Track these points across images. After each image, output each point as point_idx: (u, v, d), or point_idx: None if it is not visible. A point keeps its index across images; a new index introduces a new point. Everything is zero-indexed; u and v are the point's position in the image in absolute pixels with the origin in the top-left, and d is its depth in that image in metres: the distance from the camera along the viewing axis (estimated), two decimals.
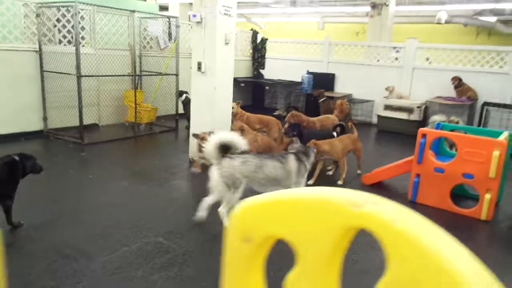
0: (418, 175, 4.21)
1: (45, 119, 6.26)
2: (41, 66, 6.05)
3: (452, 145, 5.08)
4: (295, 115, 5.61)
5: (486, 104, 7.35)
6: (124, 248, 2.93)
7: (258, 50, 10.40)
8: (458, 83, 7.73)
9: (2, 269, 0.79)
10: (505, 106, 7.26)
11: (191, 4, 14.48)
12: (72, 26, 6.38)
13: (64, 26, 6.36)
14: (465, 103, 7.46)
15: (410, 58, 8.48)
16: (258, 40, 10.35)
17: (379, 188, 4.70)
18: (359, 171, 5.13)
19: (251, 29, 10.52)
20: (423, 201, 4.20)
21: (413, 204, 4.24)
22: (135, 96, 6.66)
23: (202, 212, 3.34)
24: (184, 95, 7.41)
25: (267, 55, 10.35)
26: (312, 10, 13.95)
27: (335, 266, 0.78)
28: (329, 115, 6.49)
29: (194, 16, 4.75)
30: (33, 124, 6.18)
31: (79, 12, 5.51)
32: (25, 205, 3.36)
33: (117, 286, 2.51)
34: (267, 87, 9.69)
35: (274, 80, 9.90)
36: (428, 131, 4.22)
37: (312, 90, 9.15)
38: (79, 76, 5.63)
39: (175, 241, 3.10)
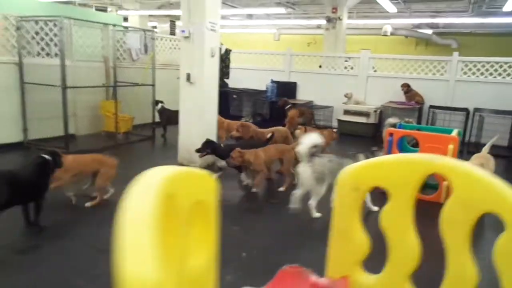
0: None
1: (25, 130, 6.30)
2: (21, 78, 6.12)
3: (408, 142, 5.87)
4: (244, 125, 5.46)
5: (432, 107, 8.37)
6: None
7: (223, 61, 10.85)
8: (407, 89, 8.70)
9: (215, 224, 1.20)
10: (447, 108, 8.31)
11: (150, 16, 14.71)
12: (50, 39, 6.55)
13: (42, 39, 6.46)
14: (414, 107, 8.43)
15: (364, 67, 9.38)
16: (223, 51, 10.81)
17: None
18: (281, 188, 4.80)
19: None
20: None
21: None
22: (116, 106, 6.88)
23: (295, 204, 3.93)
24: (160, 105, 7.72)
25: (231, 65, 10.83)
26: (268, 23, 14.68)
27: (413, 200, 1.31)
28: (280, 127, 6.14)
29: (183, 31, 5.15)
30: (13, 135, 6.20)
31: (62, 27, 5.65)
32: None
33: None
34: (234, 96, 10.17)
35: (240, 89, 10.41)
36: (395, 131, 4.94)
37: (276, 97, 9.79)
38: (64, 88, 5.79)
39: None
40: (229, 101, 10.84)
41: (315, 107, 9.64)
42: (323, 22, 14.60)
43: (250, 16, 14.91)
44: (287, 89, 10.12)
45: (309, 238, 3.59)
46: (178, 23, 15.87)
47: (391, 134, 4.85)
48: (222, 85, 10.93)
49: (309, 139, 3.76)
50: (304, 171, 3.79)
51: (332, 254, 1.45)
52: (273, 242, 3.46)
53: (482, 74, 8.28)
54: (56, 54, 6.68)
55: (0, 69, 5.94)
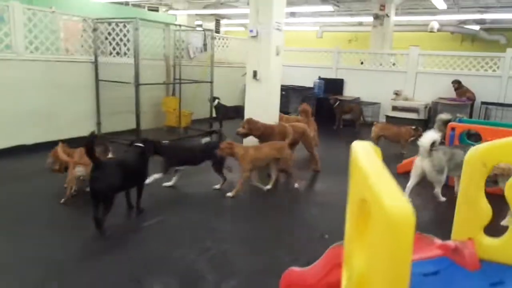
0: None
1: (98, 124, 6.84)
2: (97, 76, 6.65)
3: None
4: (250, 122, 5.07)
5: (484, 103, 8.36)
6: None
7: None
8: (458, 85, 8.71)
9: None
10: (500, 104, 8.29)
11: (197, 15, 15.18)
12: (120, 39, 7.06)
13: (113, 39, 6.98)
14: (466, 103, 8.44)
15: (413, 63, 9.44)
16: None
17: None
18: (296, 185, 4.70)
19: None
20: (453, 183, 5.05)
21: (445, 185, 5.06)
22: (180, 102, 7.32)
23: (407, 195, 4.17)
24: (217, 101, 8.13)
25: None
26: (311, 20, 14.86)
27: None
28: (297, 123, 5.62)
29: (251, 31, 5.49)
30: (88, 129, 6.70)
31: (137, 28, 6.11)
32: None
33: (251, 244, 3.23)
34: (283, 92, 10.43)
35: (287, 85, 10.68)
36: (457, 125, 5.09)
37: (324, 94, 10.02)
38: (137, 85, 6.26)
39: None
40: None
41: (362, 104, 9.79)
42: (365, 19, 14.69)
43: (293, 14, 15.13)
44: (334, 85, 10.31)
45: None
46: (222, 21, 16.33)
47: (453, 129, 5.01)
48: None
49: (431, 135, 4.04)
50: (425, 165, 4.08)
51: (458, 219, 1.71)
52: None
53: None
54: (125, 53, 7.21)
55: (79, 68, 6.48)
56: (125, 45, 7.15)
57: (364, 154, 1.15)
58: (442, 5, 10.21)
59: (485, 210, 1.65)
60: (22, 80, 5.72)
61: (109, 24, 6.85)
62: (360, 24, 16.11)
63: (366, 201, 1.08)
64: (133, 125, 6.81)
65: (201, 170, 5.26)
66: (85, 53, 6.58)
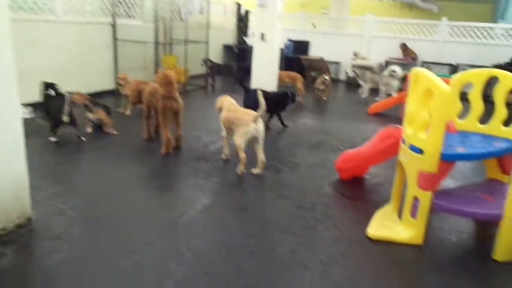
0: None
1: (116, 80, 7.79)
2: (115, 36, 7.54)
3: None
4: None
5: (425, 62, 10.41)
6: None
7: (242, 21, 12.37)
8: (404, 47, 10.66)
9: None
10: (437, 63, 10.40)
11: None
12: (130, 3, 7.93)
13: (125, 3, 7.83)
14: (410, 62, 10.44)
15: (369, 29, 11.21)
16: (243, 12, 12.30)
17: (381, 115, 7.34)
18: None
19: (236, 2, 12.39)
20: None
21: None
22: (186, 60, 8.43)
23: None
24: (209, 62, 9.30)
25: (251, 25, 12.36)
26: None
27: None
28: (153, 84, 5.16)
29: (260, 0, 6.77)
30: (108, 84, 7.69)
31: None
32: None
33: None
34: None
35: None
36: None
37: (292, 54, 11.51)
38: (156, 44, 7.30)
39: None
40: (247, 56, 12.46)
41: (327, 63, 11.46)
42: None
43: None
44: (301, 46, 11.84)
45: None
46: None
47: None
48: (242, 43, 12.50)
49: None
50: None
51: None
52: None
53: (464, 36, 10.34)
54: (134, 16, 8.10)
55: (100, 29, 7.33)
56: (133, 7, 8.02)
57: (424, 71, 2.72)
58: None
59: (458, 106, 3.33)
60: (60, 39, 6.55)
61: None
62: None
63: (430, 89, 2.64)
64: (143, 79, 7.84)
65: None
66: (105, 16, 7.42)
